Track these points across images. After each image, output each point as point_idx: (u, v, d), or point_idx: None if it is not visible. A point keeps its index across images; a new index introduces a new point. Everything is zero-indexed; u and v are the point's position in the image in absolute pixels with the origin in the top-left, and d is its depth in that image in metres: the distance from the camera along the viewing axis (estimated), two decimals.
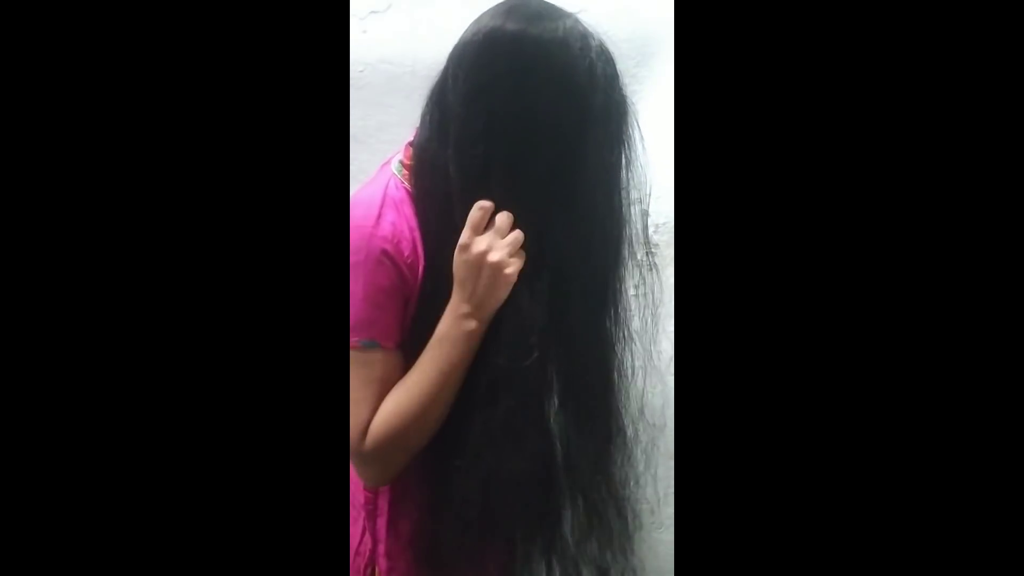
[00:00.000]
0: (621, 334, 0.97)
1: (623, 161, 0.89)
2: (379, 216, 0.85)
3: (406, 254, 0.85)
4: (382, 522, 0.94)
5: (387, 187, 0.87)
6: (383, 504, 0.94)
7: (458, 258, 0.85)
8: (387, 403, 0.87)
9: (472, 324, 0.85)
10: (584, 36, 0.84)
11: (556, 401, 0.93)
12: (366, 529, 0.94)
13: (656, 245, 1.18)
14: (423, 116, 0.89)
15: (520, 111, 0.82)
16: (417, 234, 0.86)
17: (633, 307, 1.01)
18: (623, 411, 0.99)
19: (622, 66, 0.89)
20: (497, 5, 0.86)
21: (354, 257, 0.83)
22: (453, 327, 0.86)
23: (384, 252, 0.84)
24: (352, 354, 0.86)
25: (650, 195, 0.94)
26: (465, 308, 0.85)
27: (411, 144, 0.90)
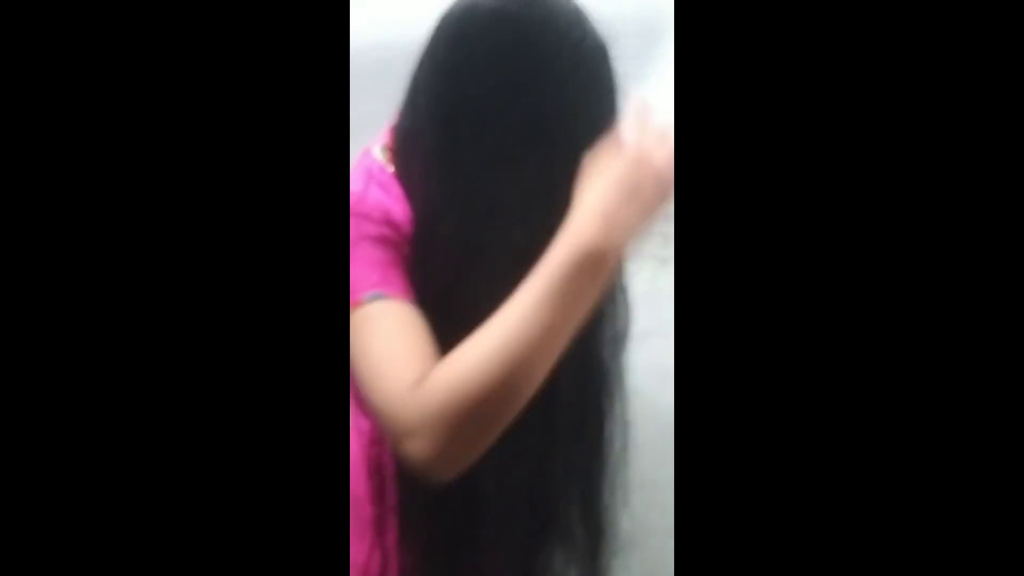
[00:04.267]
0: (626, 329, 0.94)
1: None
2: (364, 193, 0.82)
3: (399, 221, 0.81)
4: (391, 538, 0.90)
5: (369, 171, 0.85)
6: (392, 519, 0.90)
7: (628, 160, 0.70)
8: (469, 347, 0.70)
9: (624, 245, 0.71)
10: (568, 16, 0.82)
11: (558, 402, 0.88)
12: (375, 545, 0.90)
13: (667, 237, 1.15)
14: (404, 96, 0.88)
15: (498, 90, 0.81)
16: (409, 212, 0.83)
17: (643, 302, 0.99)
18: (628, 410, 0.96)
19: (623, 55, 0.86)
20: None
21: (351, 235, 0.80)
22: (597, 247, 0.69)
23: (366, 213, 0.80)
24: (356, 316, 0.75)
25: None
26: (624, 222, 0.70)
27: (394, 128, 0.89)
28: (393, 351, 0.73)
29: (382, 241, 0.80)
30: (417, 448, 0.69)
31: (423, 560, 0.90)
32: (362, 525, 0.90)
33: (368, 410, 0.79)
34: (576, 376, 0.86)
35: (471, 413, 0.68)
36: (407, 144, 0.86)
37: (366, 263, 0.78)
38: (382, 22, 1.03)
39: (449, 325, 0.76)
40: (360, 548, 0.90)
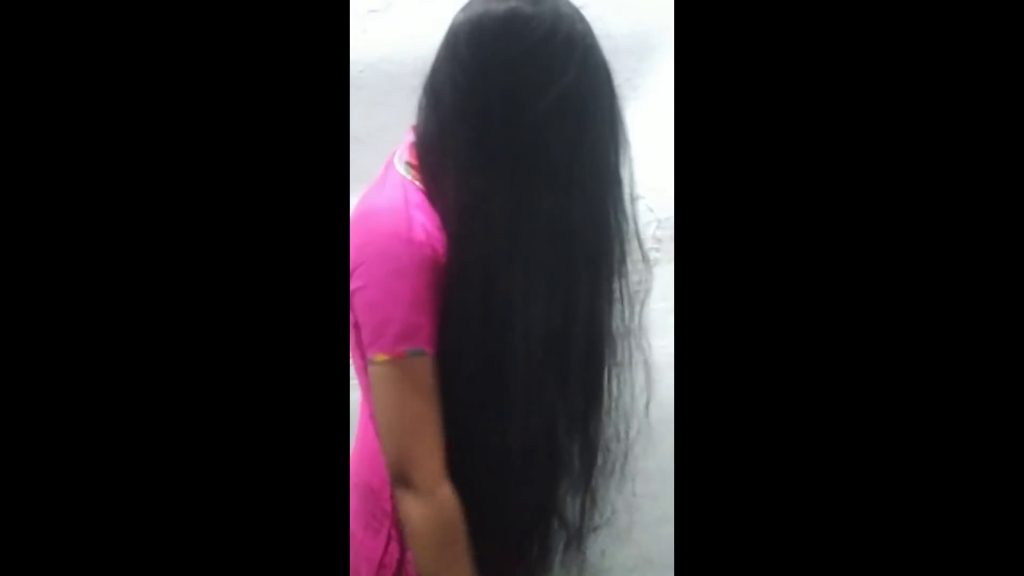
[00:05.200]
0: (622, 327, 0.97)
1: (618, 153, 0.90)
2: (409, 219, 0.83)
3: (440, 252, 0.84)
4: None
5: (405, 189, 0.86)
6: None
7: None
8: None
9: None
10: (572, 12, 0.86)
11: (556, 393, 0.92)
12: (392, 537, 0.91)
13: (659, 240, 1.19)
14: (419, 109, 0.90)
15: (524, 80, 0.84)
16: (441, 231, 0.86)
17: (637, 301, 1.02)
18: (623, 404, 0.99)
19: (623, 61, 0.90)
20: None
21: (394, 265, 0.82)
22: None
23: (424, 255, 0.83)
24: (394, 366, 0.83)
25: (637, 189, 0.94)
26: None
27: (414, 144, 0.90)
28: (429, 416, 0.84)
29: (432, 285, 0.83)
30: (417, 508, 0.84)
31: None
32: (379, 518, 0.91)
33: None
34: (590, 348, 0.92)
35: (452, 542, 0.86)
36: (435, 144, 0.88)
37: (416, 312, 0.83)
38: (389, 39, 1.06)
39: (489, 309, 0.84)
40: (375, 542, 0.91)
